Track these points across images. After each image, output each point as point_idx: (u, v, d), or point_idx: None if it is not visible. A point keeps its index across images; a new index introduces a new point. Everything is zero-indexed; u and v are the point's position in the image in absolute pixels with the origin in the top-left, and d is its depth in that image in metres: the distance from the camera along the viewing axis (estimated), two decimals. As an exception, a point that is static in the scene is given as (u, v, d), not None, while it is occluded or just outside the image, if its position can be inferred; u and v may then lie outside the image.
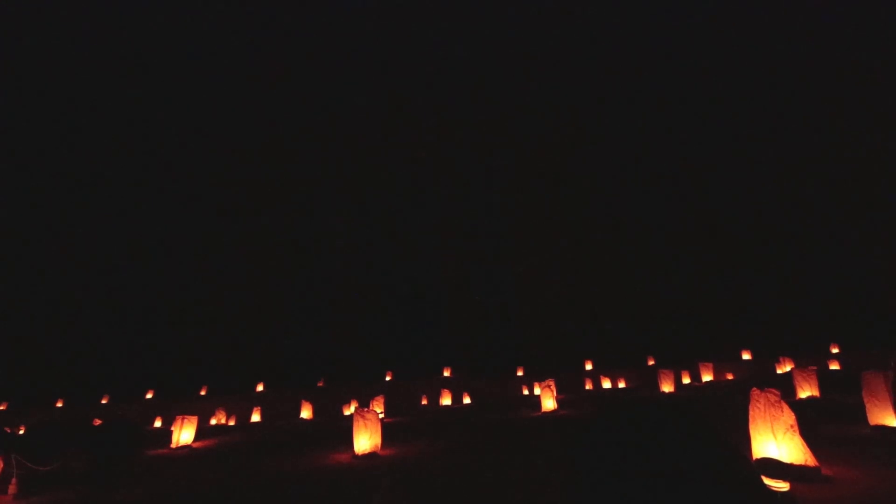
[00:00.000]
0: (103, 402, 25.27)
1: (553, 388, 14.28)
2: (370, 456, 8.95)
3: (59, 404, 25.47)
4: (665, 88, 45.09)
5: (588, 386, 21.68)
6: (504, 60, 48.34)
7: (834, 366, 19.01)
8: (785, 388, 10.31)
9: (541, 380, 17.07)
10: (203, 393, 25.82)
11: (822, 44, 40.69)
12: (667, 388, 16.32)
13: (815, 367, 12.71)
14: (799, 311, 32.01)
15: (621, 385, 21.85)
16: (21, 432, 14.60)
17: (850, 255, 34.25)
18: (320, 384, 26.34)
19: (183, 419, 12.13)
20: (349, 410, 18.64)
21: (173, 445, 11.73)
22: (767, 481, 4.69)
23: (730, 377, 20.88)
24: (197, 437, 12.43)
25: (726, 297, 35.32)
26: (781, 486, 4.75)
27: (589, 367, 25.31)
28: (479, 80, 48.14)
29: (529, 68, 47.79)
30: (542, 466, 6.93)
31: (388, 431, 10.43)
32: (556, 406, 13.77)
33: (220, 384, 26.98)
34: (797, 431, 5.55)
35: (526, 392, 21.63)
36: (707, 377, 19.59)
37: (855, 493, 4.80)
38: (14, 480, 7.98)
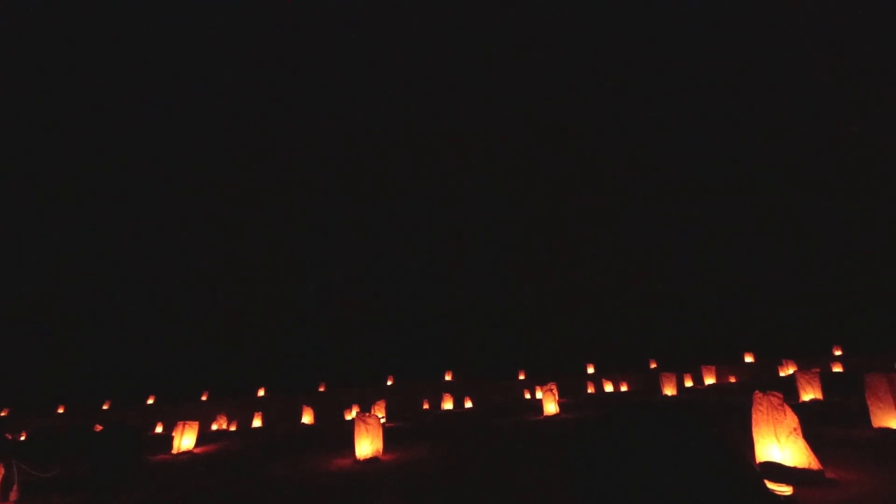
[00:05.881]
0: (105, 407, 25.28)
1: (555, 391, 14.22)
2: (372, 461, 8.92)
3: (61, 410, 25.45)
4: (666, 90, 45.17)
5: (590, 389, 21.59)
6: (506, 62, 48.50)
7: (837, 368, 18.89)
8: (788, 390, 10.26)
9: (542, 383, 16.99)
10: (204, 398, 25.78)
11: (822, 44, 40.76)
12: (669, 391, 16.25)
13: (817, 370, 12.64)
14: (801, 313, 31.93)
15: (623, 388, 21.76)
16: (22, 438, 14.60)
17: (851, 256, 34.18)
18: (321, 389, 26.29)
19: (184, 425, 12.10)
20: (350, 415, 18.58)
21: (174, 451, 11.70)
22: (771, 485, 4.67)
23: (732, 380, 20.77)
24: (198, 443, 12.41)
25: (728, 300, 35.26)
26: (785, 489, 4.73)
27: (591, 370, 25.25)
28: (481, 82, 48.29)
29: (532, 70, 47.94)
30: (544, 469, 6.90)
31: (390, 436, 10.40)
32: (558, 410, 13.71)
33: (221, 389, 26.95)
34: (800, 434, 5.53)
35: (528, 396, 21.57)
36: (709, 380, 19.50)
37: (859, 496, 4.77)
38: (15, 486, 7.96)
